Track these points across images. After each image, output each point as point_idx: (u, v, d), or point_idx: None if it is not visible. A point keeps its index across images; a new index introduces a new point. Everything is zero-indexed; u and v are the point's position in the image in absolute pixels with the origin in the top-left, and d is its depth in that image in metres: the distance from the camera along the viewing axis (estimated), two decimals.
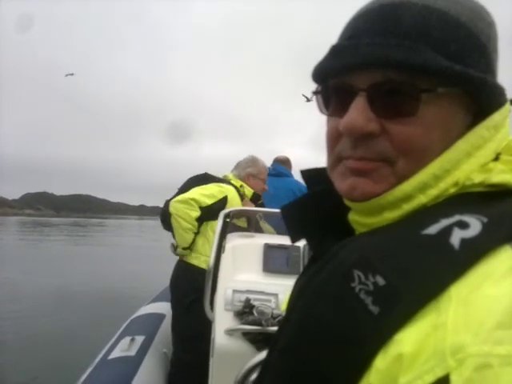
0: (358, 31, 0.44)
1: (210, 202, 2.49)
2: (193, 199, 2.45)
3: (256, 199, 2.82)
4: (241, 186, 2.75)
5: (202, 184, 2.60)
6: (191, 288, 2.38)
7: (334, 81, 0.45)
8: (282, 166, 3.48)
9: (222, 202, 2.52)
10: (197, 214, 2.46)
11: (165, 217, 2.61)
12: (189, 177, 2.75)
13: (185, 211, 2.44)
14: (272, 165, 3.46)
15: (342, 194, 0.47)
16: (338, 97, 0.46)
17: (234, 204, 2.56)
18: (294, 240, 0.56)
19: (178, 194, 2.65)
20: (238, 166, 2.90)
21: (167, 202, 2.62)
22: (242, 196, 2.69)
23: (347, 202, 0.48)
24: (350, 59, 0.42)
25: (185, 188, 2.63)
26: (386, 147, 0.42)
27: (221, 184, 2.64)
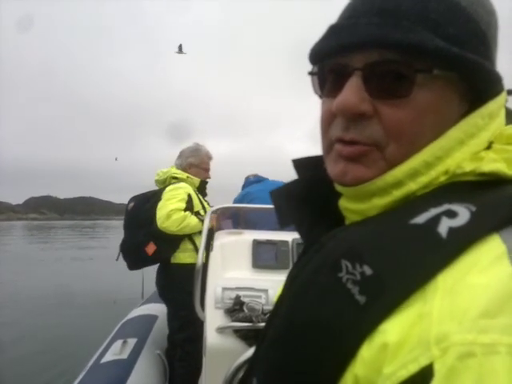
0: (357, 12, 0.43)
1: (183, 205, 2.53)
2: (172, 210, 2.46)
3: (203, 187, 2.84)
4: (187, 177, 2.74)
5: (156, 200, 2.57)
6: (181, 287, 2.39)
7: (330, 61, 0.44)
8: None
9: (190, 203, 2.58)
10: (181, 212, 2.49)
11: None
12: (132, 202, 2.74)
13: (176, 218, 2.44)
14: (248, 178, 3.46)
15: (333, 179, 0.46)
16: (333, 77, 0.45)
17: (195, 198, 2.63)
18: (282, 225, 0.55)
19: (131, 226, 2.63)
20: (181, 155, 2.88)
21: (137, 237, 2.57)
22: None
23: (338, 188, 0.47)
24: (348, 38, 0.42)
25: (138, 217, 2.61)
26: (377, 131, 0.41)
27: (177, 186, 2.62)
